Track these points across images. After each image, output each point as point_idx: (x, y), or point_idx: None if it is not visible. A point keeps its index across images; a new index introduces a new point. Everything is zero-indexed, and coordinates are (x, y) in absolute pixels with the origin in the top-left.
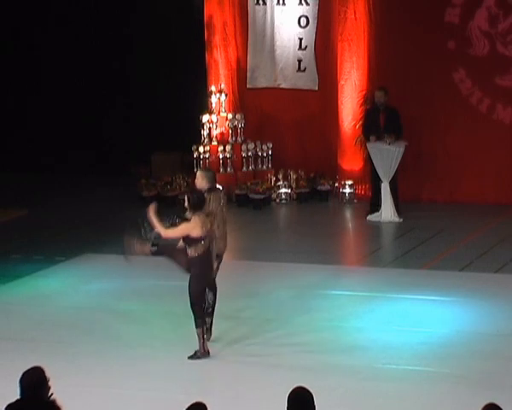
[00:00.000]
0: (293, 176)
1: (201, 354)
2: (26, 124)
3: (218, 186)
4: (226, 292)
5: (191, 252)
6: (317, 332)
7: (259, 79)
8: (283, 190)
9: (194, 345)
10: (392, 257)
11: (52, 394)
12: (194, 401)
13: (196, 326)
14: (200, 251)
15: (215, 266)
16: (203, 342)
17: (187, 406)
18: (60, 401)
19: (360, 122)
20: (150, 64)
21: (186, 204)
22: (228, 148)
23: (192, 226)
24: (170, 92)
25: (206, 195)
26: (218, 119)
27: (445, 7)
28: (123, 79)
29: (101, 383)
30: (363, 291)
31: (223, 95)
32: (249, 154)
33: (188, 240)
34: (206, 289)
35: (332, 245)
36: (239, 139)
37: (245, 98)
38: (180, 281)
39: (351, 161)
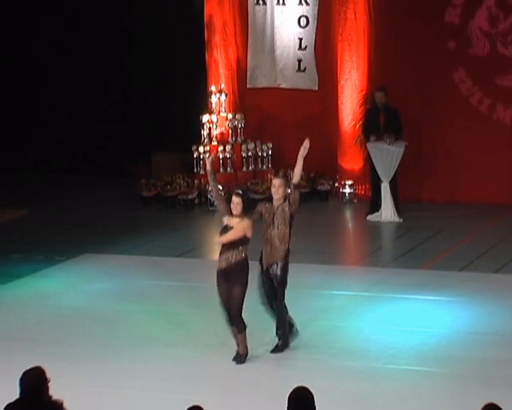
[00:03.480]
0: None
1: (244, 355)
2: (25, 124)
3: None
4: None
5: (241, 253)
6: (316, 332)
7: (259, 79)
8: None
9: (194, 345)
10: (392, 257)
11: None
12: (194, 401)
13: (240, 331)
14: (245, 252)
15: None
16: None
17: (187, 406)
18: (66, 404)
19: (360, 122)
20: (150, 64)
21: (236, 205)
22: (228, 148)
23: (248, 226)
24: (170, 92)
25: (281, 203)
26: (218, 119)
27: (445, 7)
28: (123, 78)
29: (101, 383)
30: (363, 291)
31: (223, 95)
32: (249, 154)
33: (243, 240)
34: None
35: (332, 245)
36: (239, 139)
37: (245, 98)
38: (180, 281)
39: (351, 161)
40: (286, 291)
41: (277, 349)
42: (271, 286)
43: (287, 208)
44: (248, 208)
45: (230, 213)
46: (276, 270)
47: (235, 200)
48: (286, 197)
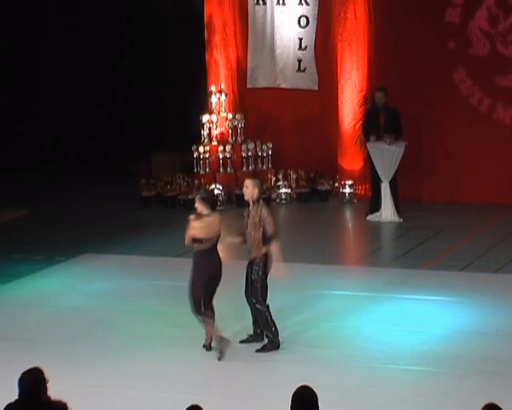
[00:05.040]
0: (293, 176)
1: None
2: (26, 124)
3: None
4: (226, 292)
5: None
6: (316, 332)
7: (259, 79)
8: (283, 190)
9: (194, 345)
10: (392, 257)
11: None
12: (194, 401)
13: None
14: (204, 248)
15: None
16: (210, 336)
17: (186, 406)
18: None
19: (360, 122)
20: (150, 64)
21: (200, 203)
22: (228, 148)
23: (220, 220)
24: (170, 92)
25: (253, 205)
26: (218, 119)
27: (445, 7)
28: (123, 79)
29: (101, 383)
30: (363, 291)
31: (223, 95)
32: (249, 154)
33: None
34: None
35: (332, 245)
36: (239, 139)
37: (245, 98)
38: (180, 281)
39: (351, 161)
40: (264, 291)
41: (264, 349)
42: (247, 278)
43: (257, 219)
44: (214, 203)
45: (197, 217)
46: (252, 268)
47: (197, 204)
48: (259, 202)
